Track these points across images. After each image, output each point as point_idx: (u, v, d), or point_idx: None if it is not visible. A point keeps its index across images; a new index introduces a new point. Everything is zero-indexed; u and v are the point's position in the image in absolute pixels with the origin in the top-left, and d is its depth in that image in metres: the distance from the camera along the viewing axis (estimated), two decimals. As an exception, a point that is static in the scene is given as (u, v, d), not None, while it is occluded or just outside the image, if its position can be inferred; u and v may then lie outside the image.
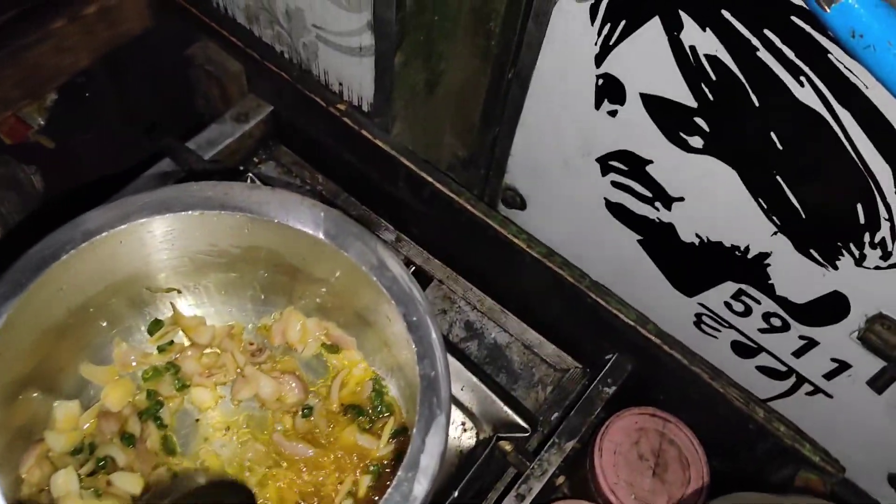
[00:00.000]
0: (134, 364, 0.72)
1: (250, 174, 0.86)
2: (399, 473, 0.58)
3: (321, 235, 0.64)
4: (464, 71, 0.92)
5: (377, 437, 0.70)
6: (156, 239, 0.67)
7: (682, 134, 0.72)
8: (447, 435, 0.58)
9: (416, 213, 0.90)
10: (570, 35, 0.75)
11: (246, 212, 0.64)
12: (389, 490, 0.57)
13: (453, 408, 0.81)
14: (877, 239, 0.66)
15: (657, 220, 0.82)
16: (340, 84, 0.87)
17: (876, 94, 0.56)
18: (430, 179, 0.85)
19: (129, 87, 1.20)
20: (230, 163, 0.93)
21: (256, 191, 0.65)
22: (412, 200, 0.89)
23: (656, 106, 0.72)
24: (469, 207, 0.83)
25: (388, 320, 0.66)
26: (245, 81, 0.95)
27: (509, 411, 0.77)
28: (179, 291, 0.74)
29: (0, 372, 0.60)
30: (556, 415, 0.84)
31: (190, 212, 0.64)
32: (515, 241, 0.82)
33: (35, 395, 0.65)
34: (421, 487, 0.56)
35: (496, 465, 0.79)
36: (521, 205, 1.02)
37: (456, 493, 0.72)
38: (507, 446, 0.77)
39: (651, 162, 0.77)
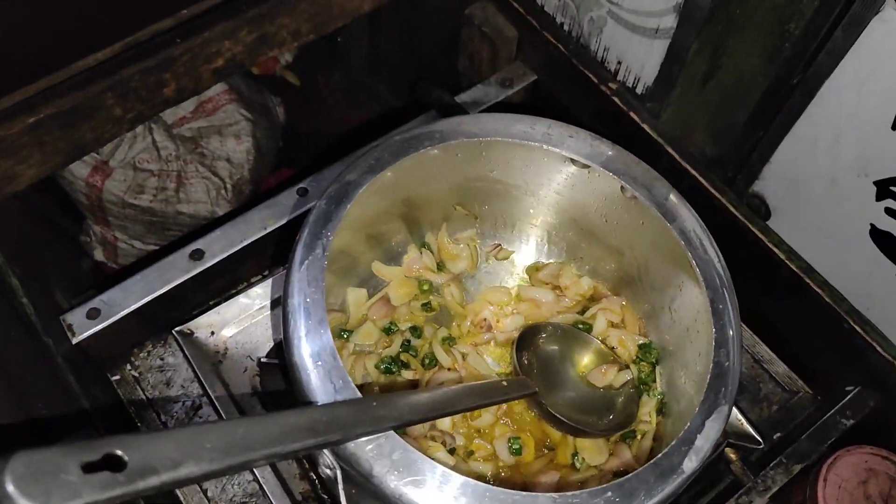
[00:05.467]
0: (416, 271, 0.79)
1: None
2: (673, 443, 0.59)
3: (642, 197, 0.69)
4: (740, 69, 0.89)
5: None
6: (488, 161, 0.74)
7: None
8: (724, 426, 0.58)
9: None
10: (886, 48, 0.71)
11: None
12: (659, 456, 0.58)
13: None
14: None
15: (934, 259, 0.77)
16: (619, 63, 0.87)
17: None
18: (692, 172, 0.83)
19: (389, 38, 1.25)
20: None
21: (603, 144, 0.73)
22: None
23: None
24: (731, 208, 0.81)
25: (678, 292, 0.69)
26: (514, 48, 0.97)
27: (743, 420, 0.75)
28: (476, 217, 0.81)
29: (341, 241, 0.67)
30: (778, 434, 0.82)
31: (540, 144, 0.72)
32: (775, 251, 0.79)
33: (332, 275, 0.72)
34: (690, 464, 0.56)
35: (713, 471, 0.77)
36: (765, 214, 0.98)
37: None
38: (732, 455, 0.76)
39: (949, 194, 0.73)
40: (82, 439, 0.36)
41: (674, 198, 0.71)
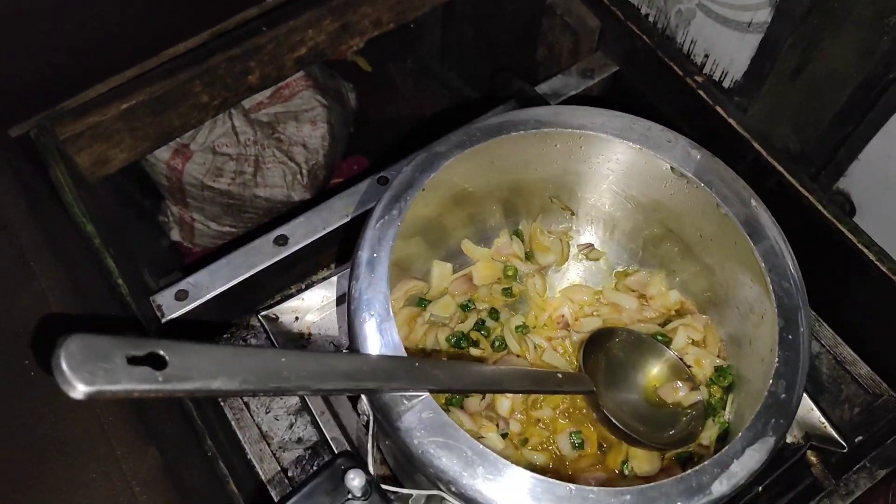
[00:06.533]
0: (504, 255, 0.80)
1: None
2: (705, 463, 0.56)
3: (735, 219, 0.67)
4: (832, 63, 0.87)
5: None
6: (587, 156, 0.74)
7: None
8: (767, 459, 0.56)
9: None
10: None
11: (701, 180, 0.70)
12: (689, 472, 0.55)
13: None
14: None
15: None
16: (706, 56, 0.85)
17: None
18: (780, 169, 0.82)
19: (463, 26, 1.25)
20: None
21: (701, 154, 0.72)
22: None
23: None
24: (819, 207, 0.80)
25: (760, 319, 0.66)
26: (596, 38, 0.96)
27: (826, 423, 0.74)
28: (573, 213, 0.80)
29: (425, 204, 0.68)
30: (859, 437, 0.80)
31: (639, 146, 0.70)
32: (865, 252, 0.77)
33: (421, 244, 0.75)
34: (720, 488, 0.54)
35: (793, 473, 0.76)
36: (850, 212, 0.96)
37: (760, 488, 0.71)
38: (813, 458, 0.75)
39: None
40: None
41: (765, 217, 0.69)
